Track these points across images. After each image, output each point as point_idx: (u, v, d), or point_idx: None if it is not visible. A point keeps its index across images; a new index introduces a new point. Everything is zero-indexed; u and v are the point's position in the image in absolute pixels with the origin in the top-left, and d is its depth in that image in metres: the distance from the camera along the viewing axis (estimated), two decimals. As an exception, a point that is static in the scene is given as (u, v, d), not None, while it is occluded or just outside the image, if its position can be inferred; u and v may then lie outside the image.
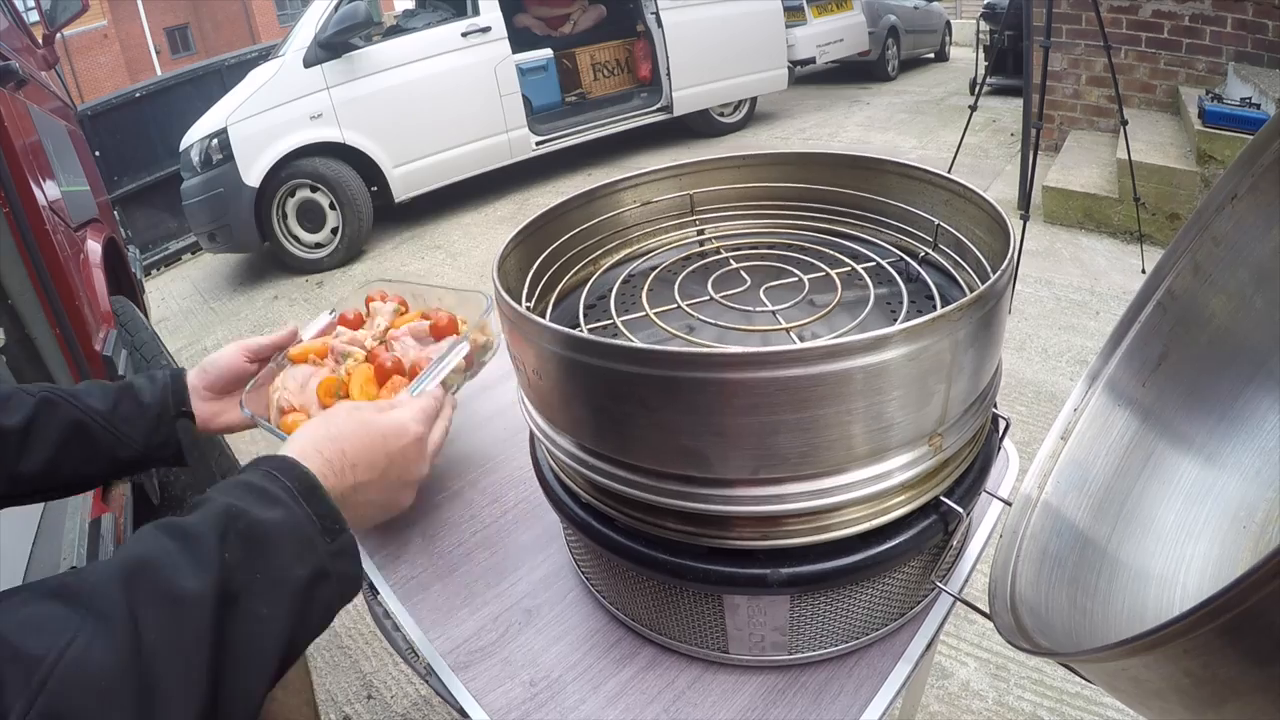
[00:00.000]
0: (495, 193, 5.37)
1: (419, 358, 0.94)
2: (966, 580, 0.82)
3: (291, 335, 0.99)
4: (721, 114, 6.08)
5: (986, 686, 1.46)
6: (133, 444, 0.84)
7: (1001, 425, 0.77)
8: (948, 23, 9.45)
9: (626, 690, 0.73)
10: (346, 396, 0.90)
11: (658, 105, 5.58)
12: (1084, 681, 0.63)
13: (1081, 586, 0.64)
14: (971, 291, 0.63)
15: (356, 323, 1.05)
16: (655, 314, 0.74)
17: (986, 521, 0.88)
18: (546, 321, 0.60)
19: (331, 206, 4.49)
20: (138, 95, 5.61)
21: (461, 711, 0.73)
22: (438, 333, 0.98)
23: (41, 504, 1.39)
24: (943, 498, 0.65)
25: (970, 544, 0.84)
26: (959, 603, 0.75)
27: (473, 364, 0.96)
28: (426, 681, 0.80)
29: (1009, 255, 0.63)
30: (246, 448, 2.69)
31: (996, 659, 1.51)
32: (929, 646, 0.75)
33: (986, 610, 0.64)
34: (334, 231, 4.54)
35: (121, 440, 0.83)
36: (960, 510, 0.65)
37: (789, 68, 6.24)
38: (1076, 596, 0.64)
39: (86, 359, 1.55)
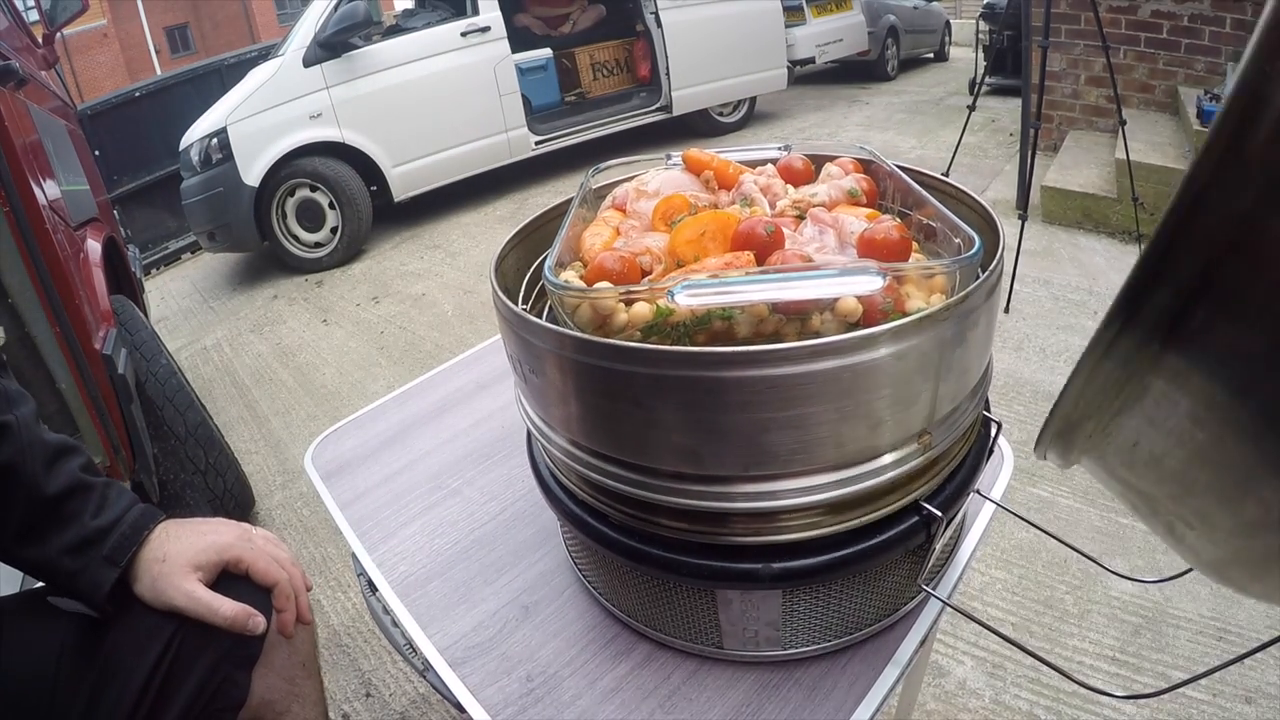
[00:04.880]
0: (494, 192, 5.37)
1: (804, 253, 0.66)
2: (959, 581, 0.83)
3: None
4: (721, 114, 6.08)
5: (983, 685, 1.46)
6: (44, 546, 0.72)
7: (994, 428, 0.77)
8: (947, 23, 9.45)
9: (622, 685, 0.73)
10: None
11: (657, 105, 5.58)
12: (1079, 683, 0.64)
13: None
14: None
15: (799, 176, 0.86)
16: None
17: (979, 523, 0.88)
18: (543, 321, 0.60)
19: (331, 206, 4.49)
20: (137, 95, 5.60)
21: (459, 707, 0.74)
22: (864, 245, 0.66)
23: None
24: (932, 494, 0.66)
25: (963, 545, 0.85)
26: (947, 606, 0.76)
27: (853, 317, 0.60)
28: (424, 677, 0.81)
29: (998, 255, 0.63)
30: (246, 446, 2.70)
31: (993, 658, 1.51)
32: (923, 643, 0.76)
33: (977, 616, 0.65)
34: (333, 231, 4.54)
35: (38, 528, 0.72)
36: (948, 509, 0.66)
37: (788, 67, 6.23)
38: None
39: (86, 357, 1.56)
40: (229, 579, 0.77)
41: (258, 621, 0.74)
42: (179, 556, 0.74)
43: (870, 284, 0.55)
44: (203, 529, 0.78)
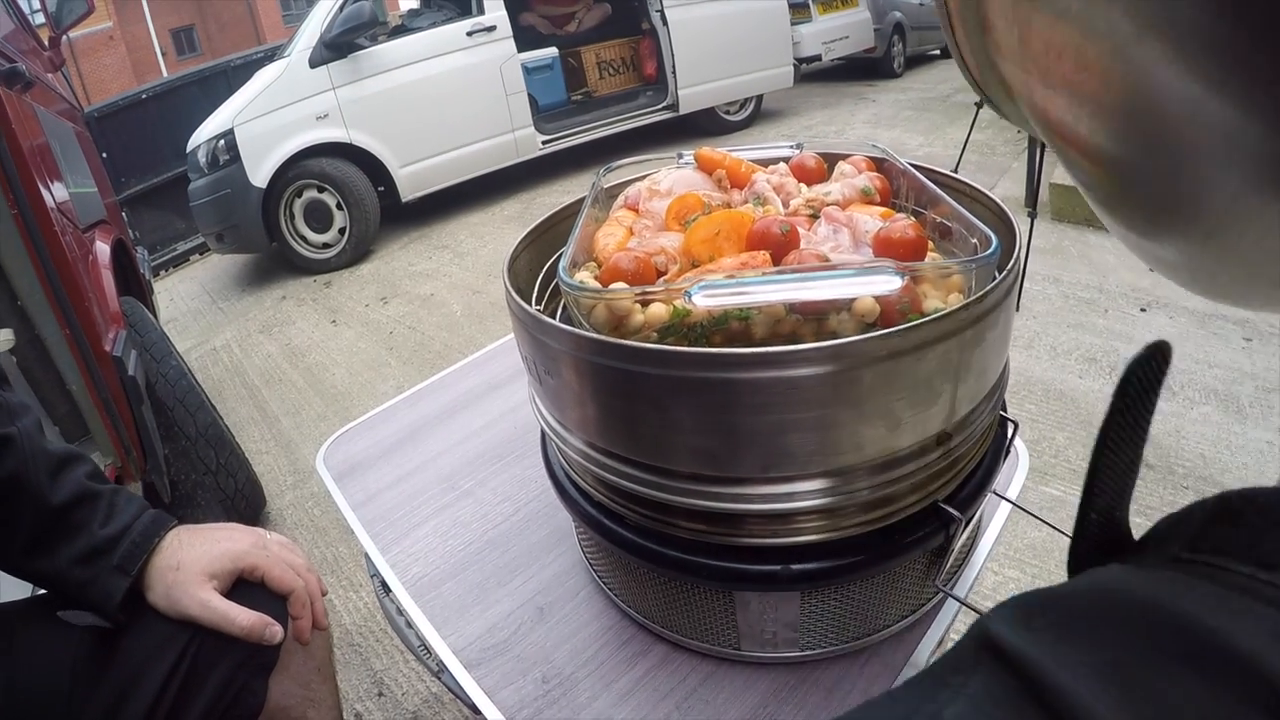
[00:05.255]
0: (502, 192, 5.38)
1: (821, 252, 0.65)
2: (975, 580, 0.83)
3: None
4: (727, 112, 6.07)
5: (995, 683, 1.46)
6: (53, 557, 0.72)
7: (1010, 428, 0.77)
8: (953, 19, 9.41)
9: (639, 687, 0.73)
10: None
11: (663, 104, 5.58)
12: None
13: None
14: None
15: (812, 174, 0.85)
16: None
17: (995, 523, 0.88)
18: (557, 322, 0.60)
19: (339, 206, 4.50)
20: (144, 97, 5.63)
21: (473, 708, 0.74)
22: (880, 245, 0.66)
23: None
24: (950, 495, 0.66)
25: (979, 545, 0.84)
26: (965, 607, 0.76)
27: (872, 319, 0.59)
28: (439, 679, 0.81)
29: (1015, 255, 0.63)
30: (257, 446, 2.70)
31: (1005, 656, 1.51)
32: (940, 644, 0.75)
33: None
34: (341, 231, 4.55)
35: (45, 539, 0.72)
36: (966, 509, 0.65)
37: (794, 65, 6.22)
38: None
39: (96, 359, 1.56)
40: (244, 586, 0.77)
41: (274, 631, 0.74)
42: (193, 565, 0.74)
43: (888, 284, 0.55)
44: (216, 536, 0.78)
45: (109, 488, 0.77)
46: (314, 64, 4.39)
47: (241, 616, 0.72)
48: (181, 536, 0.76)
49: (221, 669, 0.73)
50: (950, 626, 0.78)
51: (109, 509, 0.75)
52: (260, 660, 0.75)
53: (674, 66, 5.43)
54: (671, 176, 0.84)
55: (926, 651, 0.73)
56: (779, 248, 0.66)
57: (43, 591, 0.77)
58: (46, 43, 2.60)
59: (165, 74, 15.84)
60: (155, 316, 2.39)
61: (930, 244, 0.68)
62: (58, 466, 0.74)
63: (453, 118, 4.80)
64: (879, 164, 0.86)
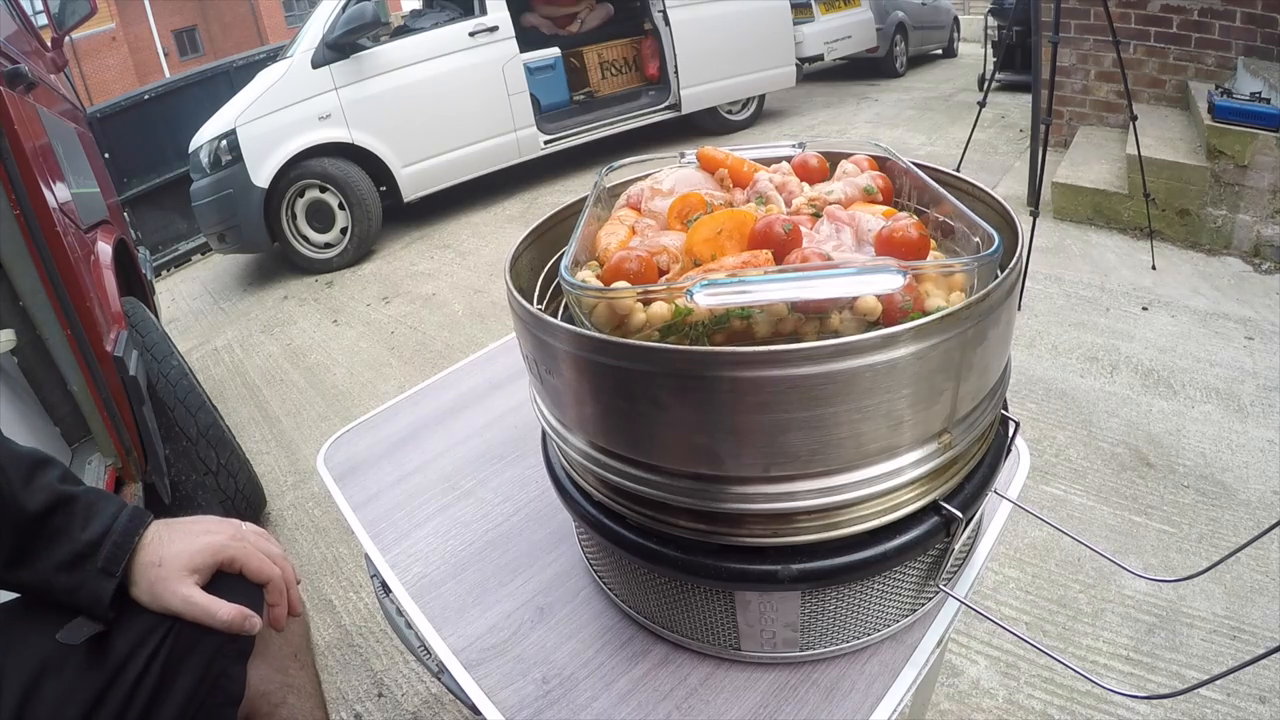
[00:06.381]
0: (504, 192, 5.38)
1: (823, 251, 0.65)
2: (975, 580, 0.82)
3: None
4: (730, 112, 6.07)
5: (997, 684, 1.46)
6: (36, 566, 0.71)
7: (1011, 427, 0.76)
8: (956, 19, 9.41)
9: (639, 687, 0.73)
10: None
11: (665, 103, 5.57)
12: (1096, 684, 0.63)
13: None
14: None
15: (814, 173, 0.86)
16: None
17: (996, 522, 0.88)
18: (559, 321, 0.60)
19: (340, 206, 4.50)
20: (147, 97, 5.62)
21: (473, 709, 0.74)
22: (882, 243, 0.66)
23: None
24: (951, 494, 0.66)
25: (980, 545, 0.84)
26: (965, 606, 0.75)
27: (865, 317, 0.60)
28: (438, 679, 0.81)
29: (1017, 253, 0.63)
30: (258, 446, 2.70)
31: (1007, 657, 1.51)
32: (940, 644, 0.75)
33: (991, 616, 0.64)
34: (343, 231, 4.54)
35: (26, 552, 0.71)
36: (967, 508, 0.65)
37: (797, 65, 6.22)
38: None
39: (98, 359, 1.56)
40: (221, 576, 0.77)
41: (254, 622, 0.75)
42: (174, 560, 0.74)
43: (891, 282, 0.55)
44: (194, 529, 0.78)
45: (82, 489, 0.76)
46: (316, 64, 4.39)
47: (222, 610, 0.73)
48: (161, 532, 0.76)
49: (198, 656, 0.73)
50: (950, 626, 0.78)
51: (87, 511, 0.74)
52: (236, 647, 0.76)
53: (676, 66, 5.43)
54: (674, 176, 0.84)
55: (927, 651, 0.73)
56: (781, 246, 0.65)
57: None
58: (49, 44, 2.60)
59: (168, 74, 15.87)
60: (157, 316, 2.39)
61: (932, 243, 0.68)
62: (28, 473, 0.74)
63: (455, 118, 4.79)
64: (881, 163, 0.86)
